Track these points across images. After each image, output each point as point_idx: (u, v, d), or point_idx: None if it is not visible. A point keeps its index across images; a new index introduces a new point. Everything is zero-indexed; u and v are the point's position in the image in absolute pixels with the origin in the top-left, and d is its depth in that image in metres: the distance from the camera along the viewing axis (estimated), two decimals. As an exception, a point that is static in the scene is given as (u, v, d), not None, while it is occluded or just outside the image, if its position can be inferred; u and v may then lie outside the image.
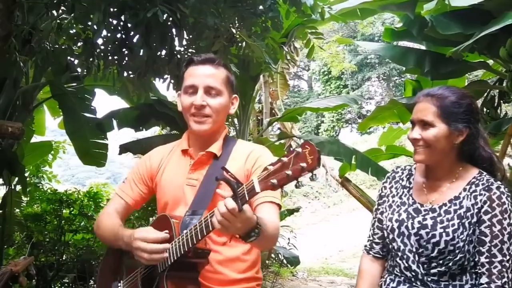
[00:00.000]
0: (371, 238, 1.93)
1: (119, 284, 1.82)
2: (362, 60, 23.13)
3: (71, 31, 3.98)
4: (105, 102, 6.98)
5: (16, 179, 5.85)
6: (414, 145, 1.76)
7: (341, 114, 23.41)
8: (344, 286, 8.03)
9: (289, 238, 7.37)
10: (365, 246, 1.95)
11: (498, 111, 5.39)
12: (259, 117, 8.54)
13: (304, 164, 1.37)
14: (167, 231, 1.65)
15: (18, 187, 6.08)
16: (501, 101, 5.39)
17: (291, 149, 1.44)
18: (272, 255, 8.21)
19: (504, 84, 4.97)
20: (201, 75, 1.80)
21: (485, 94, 5.53)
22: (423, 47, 6.04)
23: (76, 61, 4.27)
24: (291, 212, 7.31)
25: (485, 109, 5.32)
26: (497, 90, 5.41)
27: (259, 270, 1.88)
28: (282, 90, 8.52)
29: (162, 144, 2.05)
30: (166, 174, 1.90)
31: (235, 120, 6.18)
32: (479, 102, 5.40)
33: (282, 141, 7.66)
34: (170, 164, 1.91)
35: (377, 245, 1.90)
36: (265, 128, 7.42)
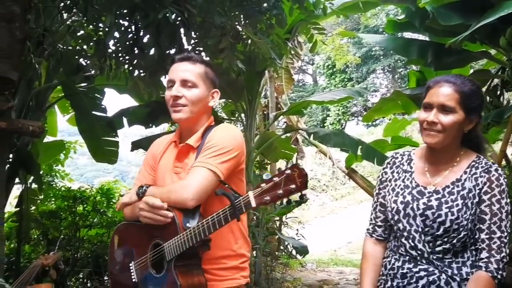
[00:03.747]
0: (373, 222, 2.03)
1: (130, 265, 1.96)
2: (367, 52, 23.10)
3: (81, 33, 4.14)
4: (115, 101, 7.13)
5: (32, 177, 6.01)
6: (426, 128, 1.82)
7: (346, 107, 23.42)
8: (353, 276, 8.14)
9: (297, 229, 7.49)
10: (368, 229, 2.06)
11: (501, 99, 5.47)
12: (265, 112, 8.65)
13: (293, 186, 1.57)
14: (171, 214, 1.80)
15: (33, 185, 6.27)
16: (504, 90, 5.46)
17: (281, 170, 1.62)
18: (281, 247, 8.36)
19: (506, 73, 5.06)
20: (178, 70, 2.00)
21: (488, 83, 5.61)
22: (426, 38, 6.12)
23: (86, 62, 4.40)
24: (299, 203, 7.41)
25: (488, 98, 5.41)
26: (500, 79, 5.49)
27: (243, 246, 1.99)
28: (287, 85, 8.62)
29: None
30: (161, 162, 2.08)
31: (242, 115, 6.31)
32: (483, 91, 5.47)
33: (288, 134, 7.78)
34: (165, 153, 2.09)
35: (379, 228, 2.01)
36: (272, 122, 7.53)
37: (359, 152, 5.75)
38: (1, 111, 3.19)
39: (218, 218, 1.68)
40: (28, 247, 6.71)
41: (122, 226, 2.10)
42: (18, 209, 5.93)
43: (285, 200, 1.60)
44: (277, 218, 7.70)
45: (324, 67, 24.82)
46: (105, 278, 7.14)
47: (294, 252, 7.57)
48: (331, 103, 7.87)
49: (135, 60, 3.87)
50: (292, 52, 6.49)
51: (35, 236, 6.97)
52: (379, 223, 2.01)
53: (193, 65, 1.99)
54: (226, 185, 1.75)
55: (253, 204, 1.61)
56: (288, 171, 1.58)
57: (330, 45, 13.47)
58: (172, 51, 3.84)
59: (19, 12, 3.19)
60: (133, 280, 1.93)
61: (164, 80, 4.25)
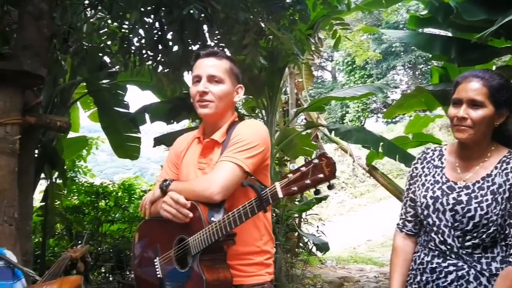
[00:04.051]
0: (403, 217, 2.04)
1: (155, 260, 1.97)
2: (387, 48, 22.87)
3: (105, 30, 4.19)
4: (137, 97, 7.20)
5: (56, 172, 6.12)
6: (456, 123, 1.82)
7: (366, 104, 23.22)
8: (373, 273, 8.11)
9: (317, 226, 7.48)
10: (398, 224, 2.05)
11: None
12: (285, 108, 8.64)
13: (321, 175, 1.54)
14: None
15: (58, 180, 6.38)
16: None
17: (309, 160, 1.59)
18: (301, 244, 8.35)
19: (531, 69, 4.97)
20: (204, 66, 1.99)
21: (512, 79, 5.51)
22: (448, 34, 6.05)
23: (112, 58, 4.45)
24: (319, 200, 7.42)
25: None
26: (525, 75, 5.39)
27: (268, 243, 1.98)
28: (307, 81, 8.60)
29: None
30: (185, 158, 2.08)
31: (263, 112, 6.32)
32: None
33: (309, 131, 7.76)
34: (189, 149, 2.09)
35: (409, 223, 2.01)
36: (292, 119, 7.52)
37: (380, 149, 5.71)
38: (30, 107, 3.25)
39: (244, 211, 1.67)
40: (52, 241, 6.84)
41: (146, 222, 2.09)
42: (43, 203, 6.04)
43: (312, 190, 1.58)
44: (297, 215, 7.70)
45: (343, 64, 24.66)
46: (127, 272, 7.26)
47: (314, 249, 7.56)
48: (353, 99, 7.84)
49: (159, 57, 3.90)
50: (313, 48, 6.47)
51: (59, 231, 7.11)
52: (409, 218, 2.01)
53: (219, 61, 1.99)
54: (253, 177, 1.75)
55: (280, 194, 1.59)
56: (316, 160, 1.55)
57: (353, 39, 13.33)
58: (195, 47, 3.87)
59: (46, 9, 3.24)
60: (158, 275, 1.92)
61: (187, 76, 4.29)
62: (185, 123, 8.37)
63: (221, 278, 1.78)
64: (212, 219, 1.75)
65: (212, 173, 1.85)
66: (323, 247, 6.67)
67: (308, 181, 1.55)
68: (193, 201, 1.79)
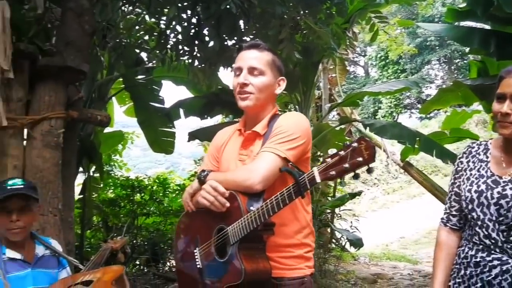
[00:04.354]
0: (448, 211, 2.01)
1: (195, 251, 2.00)
2: (421, 42, 22.40)
3: (142, 26, 4.27)
4: (172, 93, 7.30)
5: (94, 166, 6.28)
6: (500, 119, 1.80)
7: (399, 99, 22.82)
8: (407, 271, 8.00)
9: (351, 222, 7.43)
10: (442, 219, 2.03)
11: None
12: (318, 104, 8.59)
13: (360, 159, 1.50)
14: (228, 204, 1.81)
15: (95, 174, 6.54)
16: None
17: (347, 144, 1.56)
18: (333, 239, 8.31)
19: None
20: (245, 58, 1.99)
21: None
22: (487, 27, 5.89)
23: (149, 54, 4.52)
24: (352, 196, 7.38)
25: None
26: None
27: (308, 236, 1.97)
28: (340, 76, 8.54)
29: None
30: (225, 151, 2.09)
31: (296, 107, 6.30)
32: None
33: (342, 126, 7.70)
34: (229, 142, 2.09)
35: (454, 218, 1.99)
36: (326, 114, 7.48)
37: (417, 145, 5.61)
38: (72, 102, 3.35)
39: (282, 197, 1.66)
40: (89, 233, 7.02)
41: (186, 215, 2.10)
42: (81, 196, 6.20)
43: (352, 175, 1.55)
44: (329, 211, 7.67)
45: (376, 59, 24.29)
46: (161, 265, 7.39)
47: (347, 245, 7.52)
48: (388, 94, 7.72)
49: (195, 52, 3.94)
50: (348, 43, 6.41)
51: (96, 223, 7.29)
52: (454, 213, 1.99)
53: (260, 53, 1.99)
54: (290, 163, 1.74)
55: (318, 179, 1.57)
56: (355, 144, 1.50)
57: (388, 34, 13.08)
58: (231, 43, 3.89)
59: (88, 6, 3.32)
60: (198, 266, 1.94)
61: (222, 71, 4.32)
62: (218, 119, 8.43)
63: (260, 268, 1.77)
64: (251, 208, 1.75)
65: (253, 163, 1.86)
66: (357, 243, 6.62)
67: (346, 165, 1.52)
68: (233, 190, 1.80)
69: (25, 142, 3.17)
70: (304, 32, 3.80)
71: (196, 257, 1.96)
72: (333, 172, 1.54)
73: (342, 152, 1.54)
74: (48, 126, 3.11)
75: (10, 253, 2.25)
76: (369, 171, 1.57)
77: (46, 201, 3.02)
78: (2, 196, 2.18)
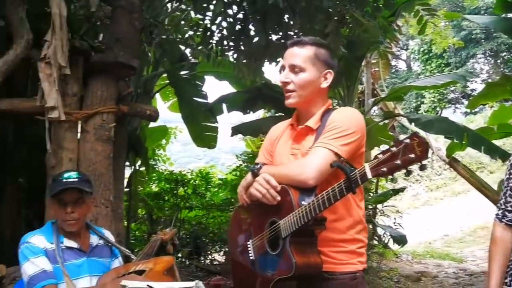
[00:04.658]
0: (503, 207, 1.96)
1: (248, 243, 2.03)
2: (466, 36, 21.66)
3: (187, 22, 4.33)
4: (214, 88, 7.37)
5: (139, 160, 6.43)
6: None
7: (443, 94, 22.19)
8: (452, 269, 7.81)
9: (395, 218, 7.31)
10: (497, 214, 1.98)
11: None
12: (360, 98, 8.48)
13: (412, 155, 1.47)
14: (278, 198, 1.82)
15: (140, 168, 6.71)
16: None
17: (399, 140, 1.53)
18: (375, 236, 8.20)
19: None
20: (287, 56, 1.99)
21: None
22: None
23: (195, 49, 4.58)
24: (396, 192, 7.25)
25: None
26: None
27: (361, 232, 1.95)
28: (384, 70, 8.39)
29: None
30: (278, 145, 2.10)
31: (339, 102, 6.24)
32: None
33: (386, 121, 7.57)
34: (283, 136, 2.11)
35: (509, 213, 1.93)
36: (369, 109, 7.37)
37: (464, 140, 5.45)
38: (122, 96, 3.44)
39: (333, 192, 1.66)
40: (133, 225, 7.21)
41: (240, 207, 2.12)
42: (127, 189, 6.36)
43: (404, 171, 1.53)
44: (371, 207, 7.56)
45: (419, 52, 23.70)
46: (202, 258, 7.52)
47: (390, 242, 7.40)
48: (434, 87, 7.54)
49: (241, 47, 3.96)
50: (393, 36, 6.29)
51: (141, 216, 7.48)
52: (509, 208, 1.94)
53: (301, 49, 1.97)
54: (342, 159, 1.73)
55: (369, 175, 1.56)
56: (407, 140, 1.49)
57: (437, 27, 12.71)
58: (276, 37, 3.89)
59: (138, 3, 3.40)
60: (251, 258, 1.96)
61: (267, 66, 4.34)
62: (259, 114, 8.46)
63: (311, 262, 1.78)
64: (303, 202, 1.75)
65: (307, 158, 1.86)
66: (401, 239, 6.51)
67: (398, 162, 1.50)
68: (285, 184, 1.81)
69: (78, 135, 3.28)
70: (350, 25, 3.75)
71: (249, 249, 1.98)
72: (384, 169, 1.53)
73: (394, 149, 1.52)
74: (100, 120, 3.21)
75: (67, 242, 2.32)
76: (422, 168, 1.54)
77: (98, 193, 3.12)
78: (58, 190, 2.25)
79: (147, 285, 1.40)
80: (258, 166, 1.95)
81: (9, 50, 3.10)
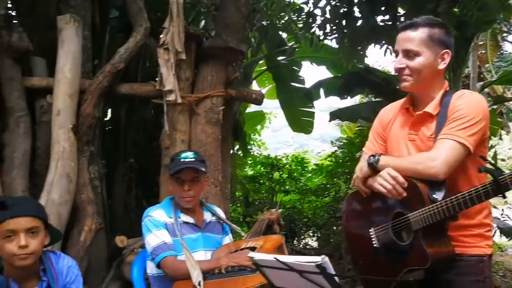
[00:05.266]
0: None
1: (370, 231, 2.02)
2: None
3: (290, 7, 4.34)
4: (310, 73, 7.36)
5: (237, 144, 6.62)
6: None
7: (556, 77, 20.29)
8: None
9: (502, 209, 6.87)
10: None
11: None
12: (465, 82, 7.99)
13: None
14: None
15: (238, 151, 6.90)
16: None
17: None
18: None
19: None
20: (400, 41, 1.93)
21: None
22: None
23: (297, 33, 4.60)
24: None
25: None
26: None
27: (488, 216, 1.91)
28: (492, 53, 7.84)
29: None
30: (392, 130, 2.05)
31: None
32: None
33: (494, 106, 7.10)
34: (396, 120, 2.05)
35: None
36: (478, 93, 6.94)
37: None
38: (230, 81, 3.56)
39: (478, 194, 1.62)
40: (230, 207, 7.46)
41: (355, 195, 2.13)
42: (226, 172, 6.59)
43: None
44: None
45: (528, 33, 21.80)
46: (296, 242, 7.59)
47: (497, 234, 6.98)
48: (549, 71, 6.92)
49: (345, 30, 3.92)
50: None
51: (238, 197, 7.72)
52: None
53: (414, 32, 1.90)
54: (487, 161, 1.67)
55: None
56: None
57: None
58: (380, 19, 3.80)
59: (242, -3, 3.48)
60: (374, 245, 1.97)
61: (372, 48, 4.25)
62: (356, 99, 8.32)
63: (444, 252, 1.79)
64: (434, 196, 1.74)
65: (435, 150, 1.81)
66: (509, 232, 6.11)
67: None
68: (413, 178, 1.79)
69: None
70: (463, 4, 3.56)
71: (372, 236, 1.99)
72: None
73: None
74: (210, 103, 3.35)
75: (184, 217, 2.48)
76: None
77: (208, 173, 3.25)
78: (177, 169, 2.39)
79: (274, 258, 1.45)
80: (376, 158, 1.92)
81: (129, 38, 3.33)
